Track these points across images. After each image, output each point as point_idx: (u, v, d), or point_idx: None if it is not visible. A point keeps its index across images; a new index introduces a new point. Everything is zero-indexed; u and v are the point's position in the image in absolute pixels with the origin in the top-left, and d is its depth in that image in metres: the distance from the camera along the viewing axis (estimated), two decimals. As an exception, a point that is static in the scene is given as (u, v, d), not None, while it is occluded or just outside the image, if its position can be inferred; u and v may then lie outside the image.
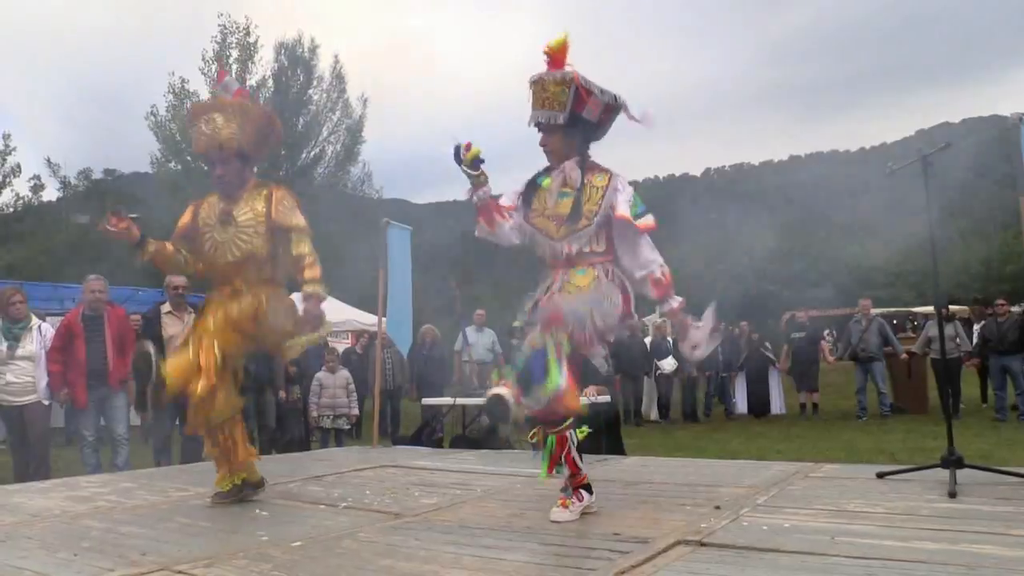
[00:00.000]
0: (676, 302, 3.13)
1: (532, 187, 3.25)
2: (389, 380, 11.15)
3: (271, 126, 3.84)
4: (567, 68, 3.09)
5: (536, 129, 3.22)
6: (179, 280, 6.95)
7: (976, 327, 11.85)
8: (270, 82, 24.76)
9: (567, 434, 3.05)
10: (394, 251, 6.60)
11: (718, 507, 3.16)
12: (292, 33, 26.66)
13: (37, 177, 31.37)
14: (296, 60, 25.09)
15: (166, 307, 6.93)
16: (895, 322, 14.91)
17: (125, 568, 2.40)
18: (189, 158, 24.07)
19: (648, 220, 3.10)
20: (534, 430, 3.12)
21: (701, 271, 41.94)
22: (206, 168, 3.81)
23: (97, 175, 37.02)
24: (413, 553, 2.56)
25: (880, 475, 3.75)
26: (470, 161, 3.09)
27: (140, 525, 3.15)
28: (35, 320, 6.76)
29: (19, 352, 6.44)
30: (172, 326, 6.76)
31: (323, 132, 25.10)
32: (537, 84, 3.15)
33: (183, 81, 24.01)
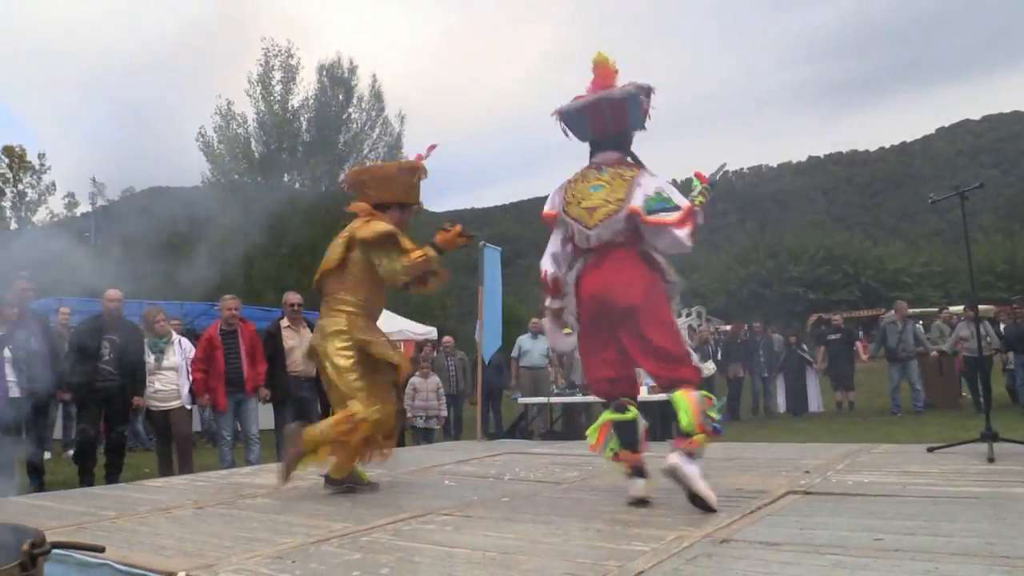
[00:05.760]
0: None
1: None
2: (454, 385, 12.08)
3: None
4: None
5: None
6: (295, 298, 7.97)
7: (1003, 327, 12.64)
8: (312, 102, 25.91)
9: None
10: (488, 269, 7.55)
11: (808, 472, 4.06)
12: (332, 55, 27.86)
13: (72, 194, 32.48)
14: (336, 80, 26.22)
15: (284, 322, 7.90)
16: (920, 322, 15.65)
17: (403, 513, 3.31)
18: (236, 176, 25.24)
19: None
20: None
21: (725, 274, 42.70)
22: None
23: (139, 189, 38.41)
24: (609, 499, 3.43)
25: (930, 449, 4.65)
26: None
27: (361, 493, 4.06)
28: (175, 335, 7.79)
29: (164, 363, 7.43)
30: (290, 339, 7.74)
31: (364, 149, 26.20)
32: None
33: (229, 103, 25.20)
